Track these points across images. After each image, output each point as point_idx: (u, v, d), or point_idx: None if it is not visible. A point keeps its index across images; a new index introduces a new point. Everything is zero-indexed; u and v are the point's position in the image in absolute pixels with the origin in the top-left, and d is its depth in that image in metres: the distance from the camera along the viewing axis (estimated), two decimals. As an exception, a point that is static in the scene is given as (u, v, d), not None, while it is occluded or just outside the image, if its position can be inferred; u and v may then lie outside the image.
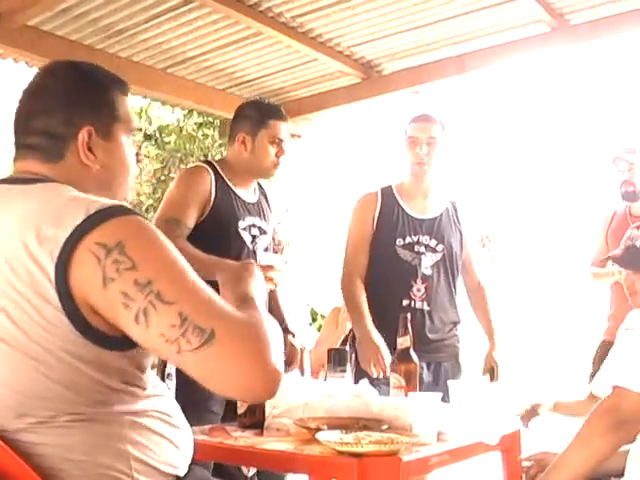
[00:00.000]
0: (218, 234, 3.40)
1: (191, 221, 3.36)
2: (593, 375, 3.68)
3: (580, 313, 9.98)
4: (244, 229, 3.48)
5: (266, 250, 3.57)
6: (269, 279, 3.23)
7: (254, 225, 3.54)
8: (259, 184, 3.72)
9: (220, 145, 6.87)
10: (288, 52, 5.59)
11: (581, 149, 11.43)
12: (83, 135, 1.67)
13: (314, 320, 8.49)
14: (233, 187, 3.52)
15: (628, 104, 10.88)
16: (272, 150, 3.52)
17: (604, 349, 4.19)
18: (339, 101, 6.26)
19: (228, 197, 3.49)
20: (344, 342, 4.17)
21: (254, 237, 3.52)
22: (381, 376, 3.38)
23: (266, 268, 3.24)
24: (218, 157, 6.86)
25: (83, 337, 1.42)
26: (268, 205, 3.70)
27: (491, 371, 3.56)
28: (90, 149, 1.67)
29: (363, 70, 5.86)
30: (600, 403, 2.16)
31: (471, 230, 3.96)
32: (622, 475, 2.28)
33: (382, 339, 3.51)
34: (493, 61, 5.45)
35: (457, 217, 3.88)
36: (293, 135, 6.60)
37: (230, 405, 3.21)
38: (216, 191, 3.44)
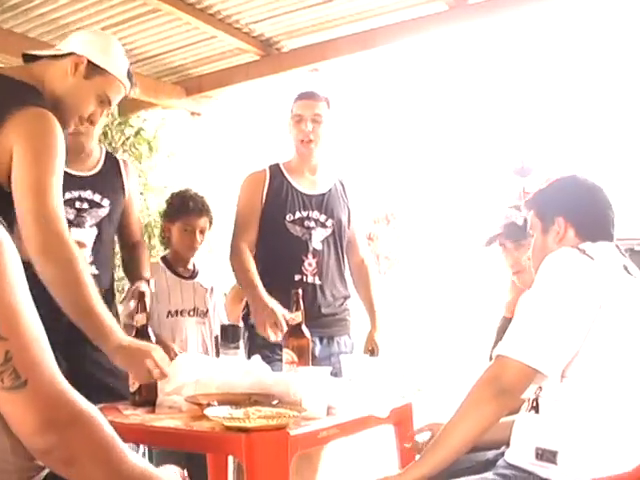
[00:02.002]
0: None
1: None
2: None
3: (481, 289, 10.18)
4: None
5: (99, 223, 3.33)
6: None
7: (81, 198, 3.30)
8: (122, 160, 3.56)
9: (120, 124, 6.77)
10: (187, 29, 5.52)
11: (481, 127, 11.62)
12: None
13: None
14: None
15: (524, 80, 11.13)
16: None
17: (505, 325, 4.25)
18: (239, 78, 6.21)
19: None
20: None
21: (79, 210, 3.29)
22: (279, 339, 3.21)
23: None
24: (118, 136, 6.76)
25: None
26: (121, 177, 3.46)
27: (371, 352, 3.60)
28: None
29: (262, 47, 5.83)
30: (483, 372, 2.20)
31: (357, 207, 3.99)
32: (509, 445, 2.33)
33: (275, 301, 3.39)
34: (392, 39, 5.45)
35: (345, 193, 3.91)
36: (193, 113, 6.56)
37: None
38: None
